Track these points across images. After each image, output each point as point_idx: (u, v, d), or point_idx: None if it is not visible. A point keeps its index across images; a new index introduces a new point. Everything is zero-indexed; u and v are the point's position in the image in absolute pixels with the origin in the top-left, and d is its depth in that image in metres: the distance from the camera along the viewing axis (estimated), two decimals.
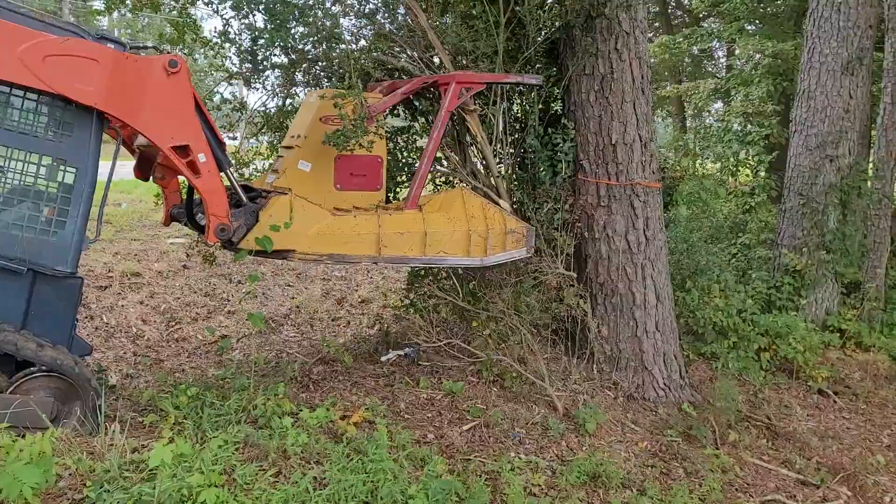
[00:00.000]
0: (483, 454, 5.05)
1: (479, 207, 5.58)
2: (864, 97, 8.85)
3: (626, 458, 5.53)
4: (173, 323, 8.33)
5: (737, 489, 5.50)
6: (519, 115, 7.07)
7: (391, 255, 5.20)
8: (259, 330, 8.15)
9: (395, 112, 6.67)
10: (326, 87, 6.30)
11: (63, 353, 4.16)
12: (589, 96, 6.63)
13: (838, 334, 8.52)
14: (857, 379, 7.90)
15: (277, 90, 6.72)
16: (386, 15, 6.87)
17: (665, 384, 6.72)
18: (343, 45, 6.34)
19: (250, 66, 6.42)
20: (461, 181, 6.24)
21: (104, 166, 4.43)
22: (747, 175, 12.43)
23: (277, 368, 6.33)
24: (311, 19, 6.25)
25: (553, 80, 6.94)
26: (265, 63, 6.45)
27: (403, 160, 6.89)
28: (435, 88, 5.79)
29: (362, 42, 6.81)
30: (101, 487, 3.35)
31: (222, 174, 4.59)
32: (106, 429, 3.96)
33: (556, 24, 6.60)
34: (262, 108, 6.85)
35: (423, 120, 6.84)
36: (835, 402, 7.48)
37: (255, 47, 6.31)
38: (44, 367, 4.07)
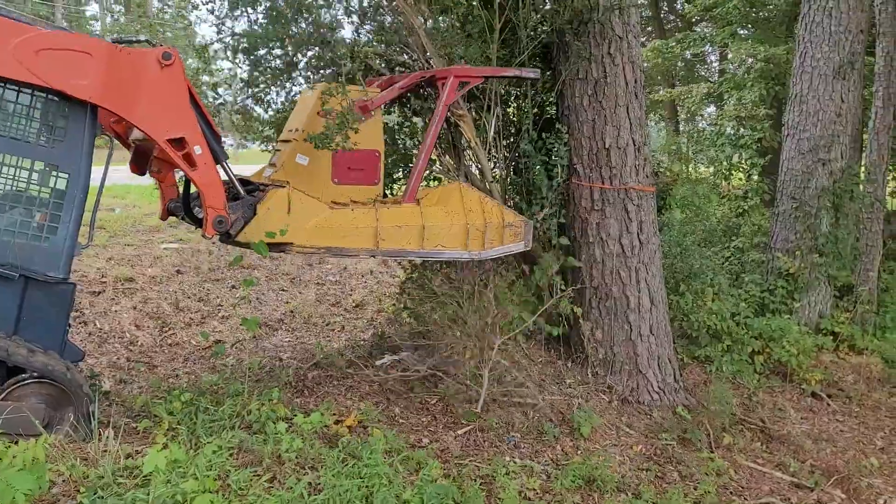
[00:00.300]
0: (478, 458, 5.05)
1: (477, 201, 5.58)
2: (855, 101, 8.89)
3: (620, 462, 5.53)
4: (167, 328, 8.30)
5: (731, 492, 5.52)
6: (514, 119, 7.09)
7: (389, 248, 5.20)
8: (253, 335, 8.13)
9: (391, 109, 6.66)
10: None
11: (55, 359, 4.14)
12: (582, 100, 6.65)
13: (831, 337, 8.56)
14: (850, 382, 7.93)
15: (276, 87, 6.70)
16: (381, 13, 6.88)
17: (659, 388, 6.73)
18: (343, 36, 6.33)
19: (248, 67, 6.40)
20: None
21: (97, 171, 4.42)
22: (740, 179, 12.45)
23: (272, 373, 6.32)
24: (311, 14, 6.22)
25: (547, 85, 6.96)
26: (263, 62, 6.42)
27: (402, 146, 6.85)
28: (433, 83, 5.80)
29: (363, 37, 6.83)
30: (94, 494, 3.34)
31: (219, 167, 4.58)
32: (100, 435, 3.94)
33: (548, 27, 6.62)
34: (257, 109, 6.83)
35: (418, 120, 6.85)
36: (828, 404, 7.51)
37: (253, 44, 6.27)
38: (35, 374, 4.05)
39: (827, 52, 8.75)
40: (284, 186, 4.92)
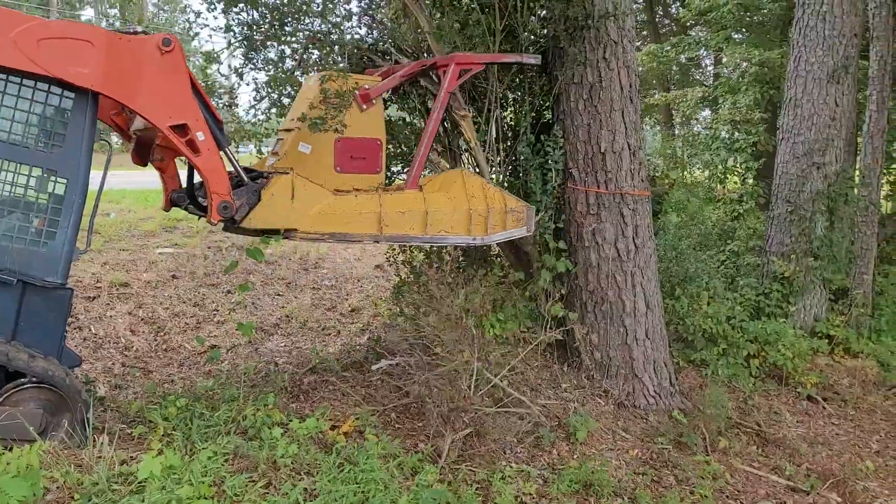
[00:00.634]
0: (474, 463, 5.04)
1: (480, 187, 5.62)
2: (850, 105, 8.93)
3: (617, 466, 5.53)
4: (162, 333, 8.28)
5: (727, 496, 5.52)
6: (511, 123, 7.10)
7: (393, 233, 5.23)
8: (249, 340, 8.11)
9: (390, 100, 6.66)
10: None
11: (54, 365, 4.13)
12: (578, 105, 6.66)
13: (827, 340, 8.57)
14: (845, 385, 7.94)
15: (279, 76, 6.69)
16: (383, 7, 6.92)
17: (655, 392, 6.73)
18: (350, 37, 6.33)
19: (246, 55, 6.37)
20: None
21: (94, 176, 4.42)
22: (735, 182, 12.50)
23: (267, 378, 6.30)
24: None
25: (545, 89, 6.97)
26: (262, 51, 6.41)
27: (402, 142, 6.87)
28: (434, 71, 5.82)
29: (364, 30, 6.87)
30: (89, 501, 3.33)
31: (222, 154, 4.59)
32: (94, 441, 3.93)
33: (546, 31, 6.64)
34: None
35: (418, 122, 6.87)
36: (824, 408, 7.52)
37: (253, 34, 6.25)
38: (34, 379, 4.04)
39: (821, 56, 8.79)
40: (289, 173, 4.93)
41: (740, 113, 12.79)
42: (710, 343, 7.66)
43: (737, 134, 12.41)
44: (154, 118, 4.27)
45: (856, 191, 9.09)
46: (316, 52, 6.67)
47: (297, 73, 6.57)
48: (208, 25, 6.27)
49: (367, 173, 5.26)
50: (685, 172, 14.70)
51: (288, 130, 5.30)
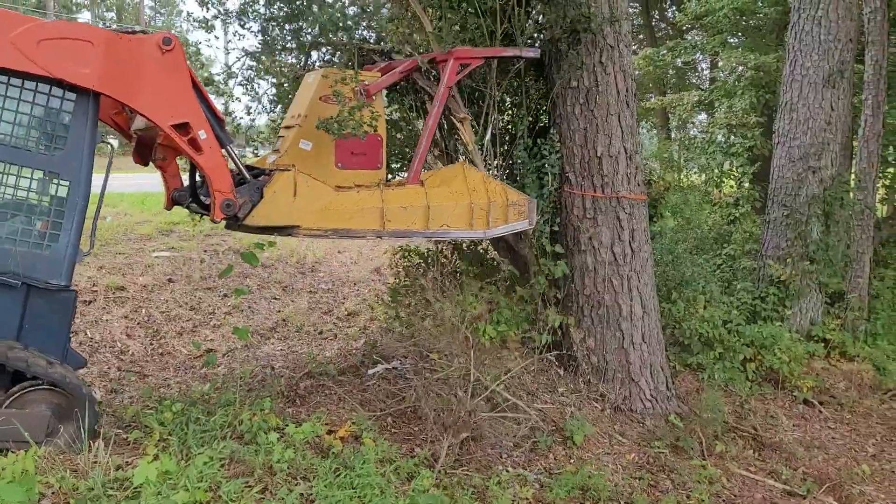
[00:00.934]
0: (470, 468, 5.03)
1: (481, 181, 5.64)
2: (845, 109, 8.95)
3: (613, 471, 5.53)
4: (158, 337, 8.27)
5: (724, 500, 5.52)
6: (509, 128, 7.11)
7: (395, 228, 5.26)
8: (245, 344, 8.10)
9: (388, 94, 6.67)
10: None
11: (70, 371, 4.16)
12: (574, 109, 6.67)
13: (823, 344, 8.58)
14: (841, 389, 7.95)
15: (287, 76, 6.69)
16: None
17: (652, 396, 6.73)
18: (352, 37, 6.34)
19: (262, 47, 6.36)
20: None
21: (96, 179, 4.43)
22: (731, 186, 12.50)
23: (264, 383, 6.29)
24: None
25: (541, 92, 6.98)
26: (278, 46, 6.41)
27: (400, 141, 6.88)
28: (433, 66, 5.83)
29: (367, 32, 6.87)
30: None
31: (223, 151, 4.60)
32: (90, 446, 3.92)
33: (542, 35, 6.65)
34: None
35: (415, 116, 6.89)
36: (820, 411, 7.53)
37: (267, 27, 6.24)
38: (47, 381, 4.05)
39: (817, 61, 8.81)
40: (290, 170, 4.94)
41: (736, 117, 12.80)
42: (707, 347, 7.67)
43: (733, 138, 12.41)
44: (155, 117, 4.28)
45: (851, 195, 9.11)
46: (315, 53, 6.69)
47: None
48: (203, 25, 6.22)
49: (368, 169, 5.27)
50: (681, 176, 14.70)
51: (288, 128, 5.31)
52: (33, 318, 4.17)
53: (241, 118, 6.48)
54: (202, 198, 4.97)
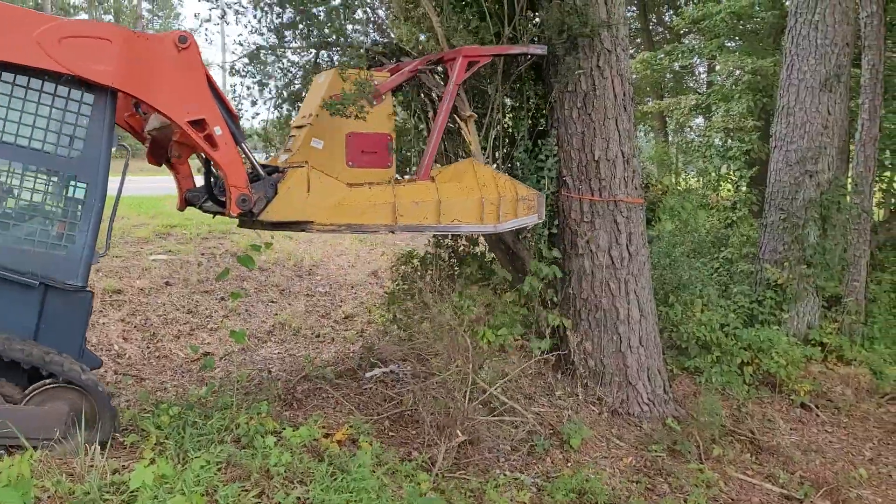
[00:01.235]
0: (468, 471, 5.03)
1: (490, 176, 5.69)
2: (842, 113, 8.97)
3: (611, 474, 5.53)
4: (155, 340, 8.25)
5: None
6: (510, 130, 7.13)
7: (407, 223, 5.32)
8: (242, 347, 8.09)
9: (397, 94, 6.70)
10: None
11: (93, 376, 4.20)
12: (572, 113, 6.68)
13: (820, 348, 8.59)
14: (838, 392, 7.96)
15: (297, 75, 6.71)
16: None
17: (649, 399, 6.73)
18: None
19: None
20: None
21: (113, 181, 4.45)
22: (729, 190, 12.53)
23: (261, 386, 6.28)
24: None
25: (539, 95, 7.00)
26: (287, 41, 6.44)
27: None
28: (442, 65, 5.87)
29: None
30: None
31: (238, 148, 4.64)
32: (86, 450, 3.91)
33: (543, 36, 6.67)
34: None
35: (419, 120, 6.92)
36: (817, 415, 7.53)
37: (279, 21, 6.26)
38: (67, 380, 4.08)
39: (813, 65, 8.83)
40: (304, 166, 4.98)
41: (733, 121, 12.82)
42: (704, 350, 7.67)
43: (730, 142, 12.43)
44: (172, 114, 4.33)
45: (848, 198, 9.14)
46: (325, 53, 6.73)
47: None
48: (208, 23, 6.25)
49: (378, 167, 5.33)
50: (678, 179, 14.73)
51: (300, 127, 5.35)
52: (50, 318, 4.21)
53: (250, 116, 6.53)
54: (217, 195, 5.01)
